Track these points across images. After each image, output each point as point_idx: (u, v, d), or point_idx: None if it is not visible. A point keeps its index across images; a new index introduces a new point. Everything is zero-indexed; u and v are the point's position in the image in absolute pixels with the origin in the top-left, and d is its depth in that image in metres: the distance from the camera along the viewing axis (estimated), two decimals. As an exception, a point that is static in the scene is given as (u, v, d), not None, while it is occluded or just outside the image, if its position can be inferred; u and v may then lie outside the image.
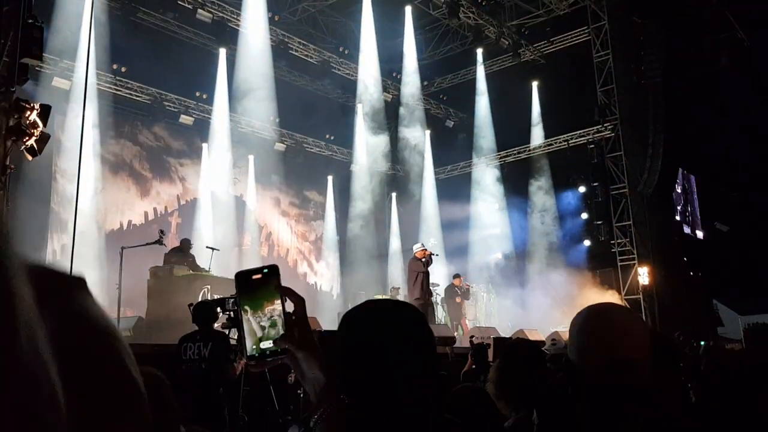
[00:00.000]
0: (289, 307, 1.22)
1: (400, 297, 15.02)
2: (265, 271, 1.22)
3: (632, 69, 16.97)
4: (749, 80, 17.59)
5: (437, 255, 12.20)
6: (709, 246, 21.08)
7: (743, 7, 16.77)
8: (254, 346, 1.20)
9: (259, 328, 1.20)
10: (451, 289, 14.57)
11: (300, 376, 1.21)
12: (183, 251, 11.34)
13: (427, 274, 11.55)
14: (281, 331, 1.19)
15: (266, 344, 1.19)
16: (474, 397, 2.54)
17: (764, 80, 17.43)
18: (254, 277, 1.22)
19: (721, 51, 17.48)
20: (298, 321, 1.20)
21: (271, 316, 1.20)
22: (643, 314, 15.32)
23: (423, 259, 11.61)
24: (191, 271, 10.71)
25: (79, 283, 0.54)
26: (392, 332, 1.27)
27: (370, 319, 1.32)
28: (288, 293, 1.20)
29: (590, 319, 1.49)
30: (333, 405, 1.16)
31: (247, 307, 1.21)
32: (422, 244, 12.16)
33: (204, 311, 5.67)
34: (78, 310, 0.51)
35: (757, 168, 18.54)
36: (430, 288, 11.80)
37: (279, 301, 1.20)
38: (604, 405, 1.39)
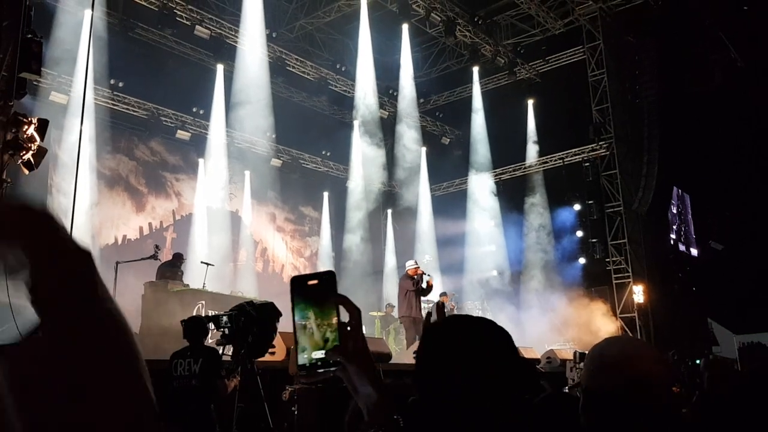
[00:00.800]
0: (344, 316, 1.16)
1: (395, 314, 15.00)
2: (323, 277, 1.17)
3: (627, 88, 17.13)
4: (743, 100, 17.72)
5: (430, 276, 12.16)
6: (703, 265, 21.11)
7: (737, 28, 16.95)
8: (306, 356, 1.15)
9: (312, 338, 1.15)
10: (439, 307, 14.50)
11: (352, 390, 1.16)
12: (174, 265, 11.28)
13: (417, 292, 11.52)
14: (335, 343, 1.13)
15: (318, 354, 1.14)
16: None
17: (758, 100, 17.57)
18: (310, 282, 1.17)
19: (715, 71, 17.63)
20: (352, 332, 1.14)
21: (326, 326, 1.14)
22: (638, 333, 15.32)
23: (415, 277, 11.59)
24: (186, 287, 10.68)
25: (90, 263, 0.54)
26: (478, 350, 1.25)
27: (455, 332, 1.30)
28: (344, 302, 1.15)
29: (607, 346, 1.50)
30: (386, 424, 1.12)
31: (300, 315, 1.16)
32: (416, 262, 12.19)
33: (194, 327, 5.64)
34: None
35: (752, 187, 18.62)
36: (421, 304, 11.73)
37: (334, 310, 1.15)
38: (620, 426, 1.39)
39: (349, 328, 1.14)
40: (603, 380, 1.42)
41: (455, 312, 14.74)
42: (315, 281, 1.17)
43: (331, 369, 1.14)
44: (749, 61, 17.50)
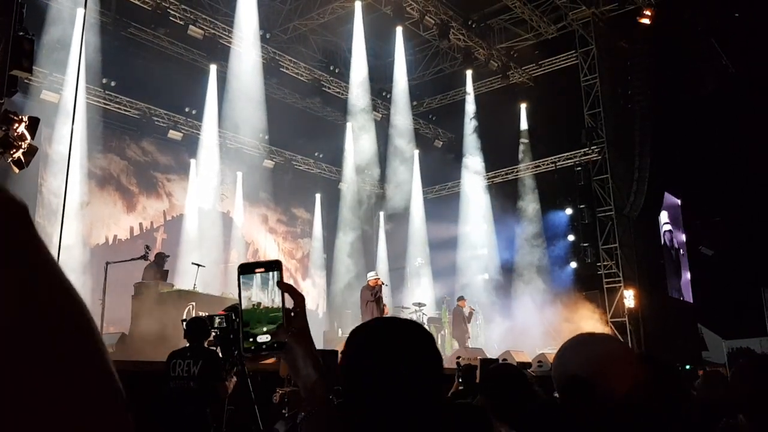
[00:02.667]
0: (289, 303, 1.22)
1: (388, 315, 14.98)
2: (270, 265, 1.23)
3: (619, 93, 17.20)
4: (734, 106, 17.83)
5: (387, 285, 12.82)
6: (694, 270, 21.21)
7: (728, 35, 17.06)
8: (252, 340, 1.20)
9: (258, 323, 1.20)
10: (458, 312, 14.53)
11: (293, 372, 1.21)
12: (158, 264, 11.17)
13: (377, 301, 11.91)
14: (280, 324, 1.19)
15: (263, 338, 1.19)
16: (473, 415, 2.53)
17: (749, 106, 17.68)
18: (257, 270, 1.23)
19: (706, 77, 17.74)
20: (297, 317, 1.21)
21: (271, 311, 1.20)
22: (629, 337, 15.36)
23: (374, 288, 12.02)
24: (171, 288, 10.62)
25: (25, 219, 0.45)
26: (397, 347, 1.28)
27: (377, 332, 1.33)
28: (289, 289, 1.21)
29: (564, 346, 1.54)
30: (321, 404, 1.17)
31: (247, 301, 1.21)
32: (376, 273, 12.76)
33: (196, 327, 5.57)
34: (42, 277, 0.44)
35: (742, 193, 18.74)
36: (382, 313, 11.97)
37: (279, 296, 1.20)
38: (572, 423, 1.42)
39: (293, 314, 1.21)
40: (566, 363, 1.44)
41: (474, 316, 14.76)
42: (262, 269, 1.23)
43: (276, 351, 1.20)
44: (741, 67, 17.62)
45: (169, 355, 5.50)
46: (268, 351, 1.20)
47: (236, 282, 1.25)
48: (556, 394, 1.57)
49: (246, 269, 1.24)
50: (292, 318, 1.20)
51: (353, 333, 1.34)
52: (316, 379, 1.20)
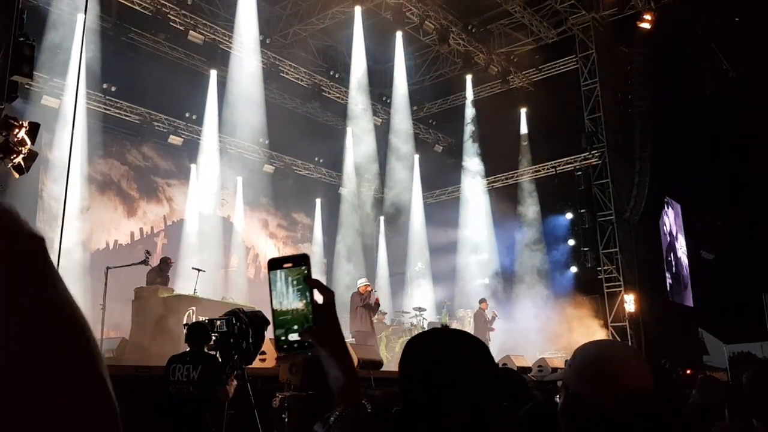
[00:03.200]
0: (319, 300, 1.20)
1: (387, 321, 14.99)
2: (297, 260, 1.20)
3: (619, 98, 17.22)
4: (735, 110, 17.85)
5: (375, 291, 12.81)
6: (694, 274, 21.20)
7: (728, 39, 17.09)
8: (283, 338, 1.17)
9: (289, 321, 1.17)
10: (480, 314, 14.54)
11: (326, 372, 1.20)
12: (161, 270, 11.21)
13: (365, 308, 11.94)
14: (309, 324, 1.16)
15: (294, 336, 1.17)
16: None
17: (749, 110, 17.70)
18: (285, 265, 1.20)
19: (706, 81, 17.77)
20: (325, 314, 1.18)
21: (301, 309, 1.17)
22: (629, 341, 15.34)
23: (364, 295, 12.05)
24: (171, 292, 10.62)
25: (40, 248, 0.50)
26: (457, 358, 1.28)
27: (436, 344, 1.33)
28: (317, 286, 1.19)
29: (601, 354, 1.49)
30: (352, 407, 1.15)
31: (277, 297, 1.19)
32: (366, 280, 12.74)
33: (197, 332, 5.56)
34: (43, 299, 0.48)
35: (743, 197, 18.75)
36: (371, 319, 12.09)
37: (309, 293, 1.18)
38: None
39: (321, 311, 1.18)
40: (594, 389, 1.41)
41: (497, 319, 14.74)
42: (290, 264, 1.20)
43: (307, 350, 1.17)
44: (741, 71, 17.64)
45: (168, 360, 5.50)
46: (300, 350, 1.17)
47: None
48: (557, 398, 1.56)
49: (274, 265, 1.20)
50: (321, 315, 1.17)
51: (411, 344, 1.34)
52: (343, 383, 1.17)
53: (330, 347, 1.17)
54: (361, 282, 12.49)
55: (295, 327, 1.17)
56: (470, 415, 1.22)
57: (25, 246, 0.49)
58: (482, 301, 14.80)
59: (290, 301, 1.18)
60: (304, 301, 1.18)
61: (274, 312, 1.18)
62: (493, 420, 1.25)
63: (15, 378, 0.44)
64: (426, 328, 14.88)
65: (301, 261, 1.20)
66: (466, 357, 1.29)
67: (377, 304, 12.27)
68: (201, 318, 8.94)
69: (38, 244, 0.50)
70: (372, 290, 12.34)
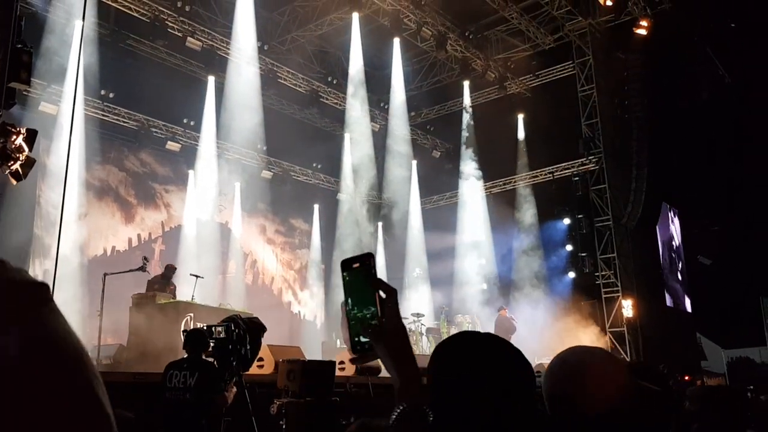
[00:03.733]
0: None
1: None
2: (362, 260, 1.18)
3: (616, 103, 17.28)
4: (730, 115, 17.92)
5: None
6: (692, 279, 21.22)
7: (724, 45, 17.16)
8: (356, 339, 1.17)
9: (358, 322, 1.16)
10: (502, 321, 14.52)
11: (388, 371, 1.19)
12: (166, 278, 11.24)
13: None
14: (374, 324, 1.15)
15: (364, 339, 1.16)
16: None
17: (745, 115, 17.77)
18: (354, 266, 1.18)
19: (702, 87, 17.83)
20: (387, 313, 1.16)
21: (369, 309, 1.16)
22: (627, 347, 15.35)
23: None
24: (174, 299, 10.61)
25: (42, 294, 0.52)
26: (491, 362, 1.26)
27: (468, 347, 1.31)
28: (380, 285, 1.17)
29: (569, 355, 1.55)
30: (410, 408, 1.13)
31: (349, 299, 1.17)
32: None
33: (195, 339, 5.56)
34: (41, 333, 0.49)
35: (740, 202, 18.79)
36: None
37: (374, 293, 1.16)
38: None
39: (383, 310, 1.16)
40: (563, 385, 1.45)
41: (516, 324, 14.74)
42: (357, 264, 1.18)
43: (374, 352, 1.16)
44: (736, 77, 17.72)
45: (166, 366, 5.49)
46: (371, 351, 1.16)
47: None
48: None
49: (345, 266, 1.19)
50: (381, 316, 1.15)
51: (441, 347, 1.32)
52: (400, 384, 1.15)
53: (388, 347, 1.15)
54: None
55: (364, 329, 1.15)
56: (502, 418, 1.21)
57: (32, 292, 0.51)
58: (501, 308, 14.82)
59: (360, 302, 1.17)
60: (372, 302, 1.16)
61: (348, 313, 1.17)
62: (526, 423, 1.23)
63: (13, 399, 0.45)
64: (424, 334, 14.89)
65: (366, 260, 1.18)
66: (499, 359, 1.27)
67: None
68: (199, 324, 8.92)
69: (42, 289, 0.52)
70: None
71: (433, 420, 1.18)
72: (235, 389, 5.29)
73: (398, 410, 1.13)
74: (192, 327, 9.12)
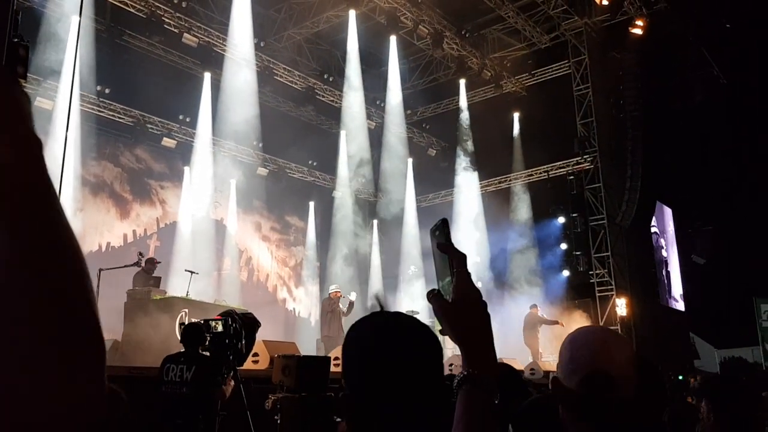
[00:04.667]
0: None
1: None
2: (440, 227, 1.18)
3: (611, 103, 17.34)
4: (725, 115, 18.00)
5: (345, 297, 12.92)
6: (685, 279, 21.31)
7: (719, 45, 17.23)
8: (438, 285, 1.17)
9: (442, 291, 1.16)
10: (531, 318, 14.55)
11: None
12: (146, 272, 11.08)
13: (337, 313, 12.37)
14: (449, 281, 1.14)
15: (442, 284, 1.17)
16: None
17: (739, 116, 17.85)
18: (437, 233, 1.18)
19: (697, 87, 17.91)
20: (456, 282, 1.13)
21: (447, 279, 1.15)
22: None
23: (332, 300, 12.54)
24: (164, 294, 10.60)
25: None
26: (396, 340, 1.26)
27: (376, 326, 1.31)
28: (448, 250, 1.15)
29: (575, 338, 1.54)
30: (475, 375, 1.10)
31: (436, 269, 1.18)
32: (336, 286, 13.25)
33: (192, 333, 5.57)
34: None
35: (733, 202, 18.88)
36: (340, 323, 12.34)
37: (447, 260, 1.15)
38: (583, 418, 1.42)
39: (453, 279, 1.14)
40: (572, 372, 1.46)
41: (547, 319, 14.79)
42: (437, 231, 1.18)
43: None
44: (731, 77, 17.80)
45: (163, 360, 5.51)
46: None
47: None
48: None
49: (431, 233, 1.19)
50: (452, 284, 1.12)
51: (352, 329, 1.31)
52: (466, 354, 1.11)
53: (449, 317, 1.12)
54: (333, 288, 12.94)
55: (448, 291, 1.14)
56: (414, 399, 1.20)
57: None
58: (533, 306, 14.89)
59: (440, 272, 1.17)
60: (447, 270, 1.15)
61: (439, 286, 1.17)
62: (437, 403, 1.22)
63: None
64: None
65: (438, 229, 1.17)
66: (406, 340, 1.26)
67: (351, 305, 12.62)
68: (194, 320, 8.93)
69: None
70: (342, 296, 12.69)
71: (348, 399, 1.20)
72: (232, 383, 5.32)
73: (462, 375, 1.10)
74: (187, 322, 9.14)
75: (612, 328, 15.71)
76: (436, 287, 1.18)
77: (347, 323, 12.07)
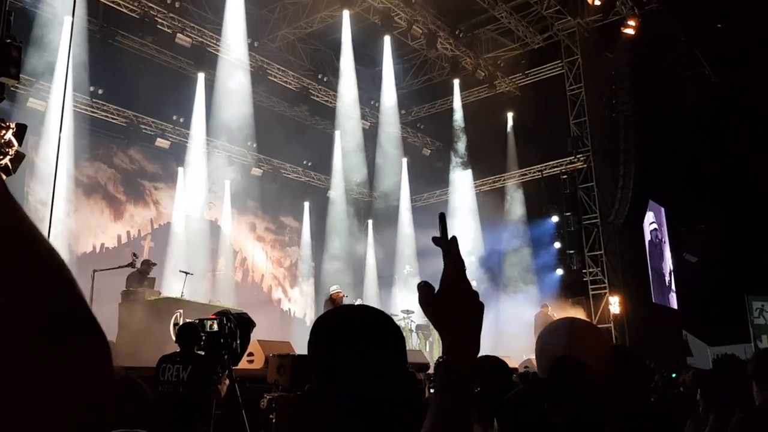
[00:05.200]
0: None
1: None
2: (440, 222, 1.22)
3: (604, 102, 17.42)
4: (717, 115, 18.08)
5: (347, 296, 12.64)
6: (678, 277, 21.40)
7: (711, 45, 17.33)
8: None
9: None
10: (542, 317, 14.52)
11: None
12: (141, 273, 11.06)
13: None
14: None
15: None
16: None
17: (731, 115, 17.93)
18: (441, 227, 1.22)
19: (689, 87, 18.00)
20: (443, 275, 1.18)
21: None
22: (614, 343, 15.47)
23: (336, 301, 11.98)
24: (158, 295, 10.60)
25: None
26: (362, 333, 1.29)
27: (340, 320, 1.35)
28: (439, 242, 1.19)
29: (547, 329, 1.59)
30: (454, 367, 1.13)
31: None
32: (338, 287, 12.70)
33: (187, 333, 5.59)
34: None
35: (725, 200, 18.95)
36: None
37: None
38: (557, 404, 1.46)
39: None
40: (546, 359, 1.50)
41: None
42: (440, 226, 1.22)
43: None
44: (723, 77, 17.89)
45: (159, 359, 5.52)
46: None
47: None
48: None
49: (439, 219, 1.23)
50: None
51: (318, 323, 1.35)
52: (445, 346, 1.15)
53: (434, 310, 1.16)
54: (333, 289, 12.45)
55: None
56: (381, 392, 1.24)
57: None
58: (544, 305, 14.91)
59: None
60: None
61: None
62: (399, 391, 1.26)
63: None
64: (414, 331, 14.96)
65: (439, 223, 1.22)
66: (372, 333, 1.29)
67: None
68: (188, 320, 8.93)
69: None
70: (344, 296, 12.26)
71: (317, 393, 1.23)
72: (227, 382, 5.33)
73: (441, 364, 1.14)
74: (182, 323, 9.14)
75: (605, 326, 15.82)
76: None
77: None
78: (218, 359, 5.24)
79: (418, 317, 15.90)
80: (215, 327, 5.19)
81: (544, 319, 14.42)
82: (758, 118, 17.64)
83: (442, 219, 1.22)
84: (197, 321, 5.61)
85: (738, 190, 18.37)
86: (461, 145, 19.25)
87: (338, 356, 1.27)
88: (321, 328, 1.34)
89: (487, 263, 18.48)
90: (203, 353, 5.46)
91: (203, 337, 5.30)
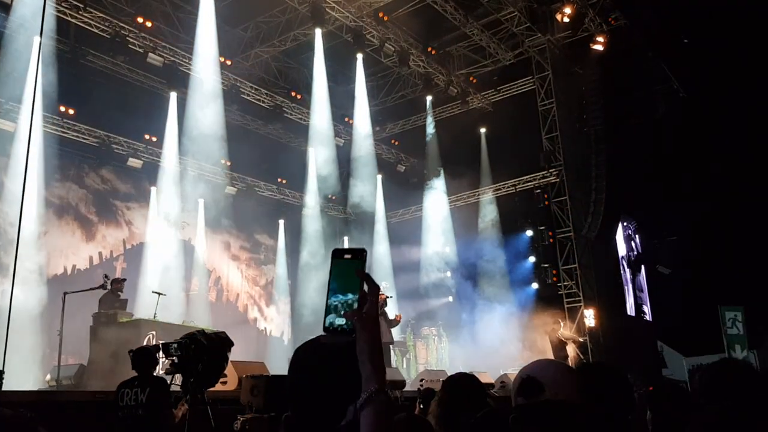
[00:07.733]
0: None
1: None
2: (356, 253, 1.33)
3: (575, 117, 17.66)
4: (685, 128, 18.43)
5: (391, 297, 12.29)
6: (652, 289, 21.65)
7: (678, 60, 17.69)
8: (330, 320, 1.30)
9: (338, 305, 1.31)
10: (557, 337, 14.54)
11: (361, 362, 1.29)
12: (113, 293, 10.85)
13: (383, 316, 11.57)
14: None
15: (340, 321, 1.29)
16: (415, 426, 2.56)
17: (699, 128, 18.29)
18: (346, 256, 1.32)
19: (658, 101, 18.34)
20: (368, 305, 1.29)
21: (350, 296, 1.29)
22: (590, 355, 15.58)
23: (381, 302, 11.65)
24: (131, 317, 10.44)
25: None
26: (330, 365, 1.40)
27: (314, 351, 1.45)
28: (367, 279, 1.30)
29: (535, 369, 1.68)
30: (377, 392, 1.24)
31: (333, 284, 1.31)
32: (384, 284, 12.33)
33: (143, 357, 5.56)
34: None
35: (698, 212, 19.26)
36: (389, 331, 11.74)
37: (358, 283, 1.29)
38: (525, 424, 1.52)
39: (364, 301, 1.30)
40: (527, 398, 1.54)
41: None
42: (349, 255, 1.33)
43: (348, 334, 1.29)
44: (691, 91, 18.27)
45: (118, 386, 5.47)
46: (341, 334, 1.28)
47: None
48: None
49: (337, 254, 1.33)
50: (363, 305, 1.28)
51: (295, 352, 1.49)
52: (369, 371, 1.25)
53: (367, 334, 1.26)
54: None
55: (343, 312, 1.29)
56: (331, 414, 1.34)
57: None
58: (555, 321, 14.95)
59: (343, 288, 1.30)
60: (355, 291, 1.29)
61: (328, 294, 1.31)
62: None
63: None
64: (396, 347, 14.89)
65: (359, 255, 1.32)
66: (321, 363, 1.42)
67: (397, 321, 11.77)
68: (161, 342, 8.81)
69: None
70: (387, 297, 11.73)
71: (295, 420, 1.33)
72: (186, 407, 5.27)
73: (368, 392, 1.24)
74: (154, 344, 9.00)
75: (581, 339, 15.92)
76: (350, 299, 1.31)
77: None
78: (185, 383, 5.18)
79: (396, 333, 15.87)
80: (179, 351, 5.14)
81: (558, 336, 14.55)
82: (727, 132, 18.03)
83: (365, 255, 1.33)
84: (161, 344, 5.56)
85: (709, 202, 18.70)
86: (435, 161, 19.37)
87: (296, 385, 1.40)
88: (292, 360, 1.48)
89: (463, 278, 18.56)
90: (172, 376, 5.40)
91: (173, 361, 5.24)
